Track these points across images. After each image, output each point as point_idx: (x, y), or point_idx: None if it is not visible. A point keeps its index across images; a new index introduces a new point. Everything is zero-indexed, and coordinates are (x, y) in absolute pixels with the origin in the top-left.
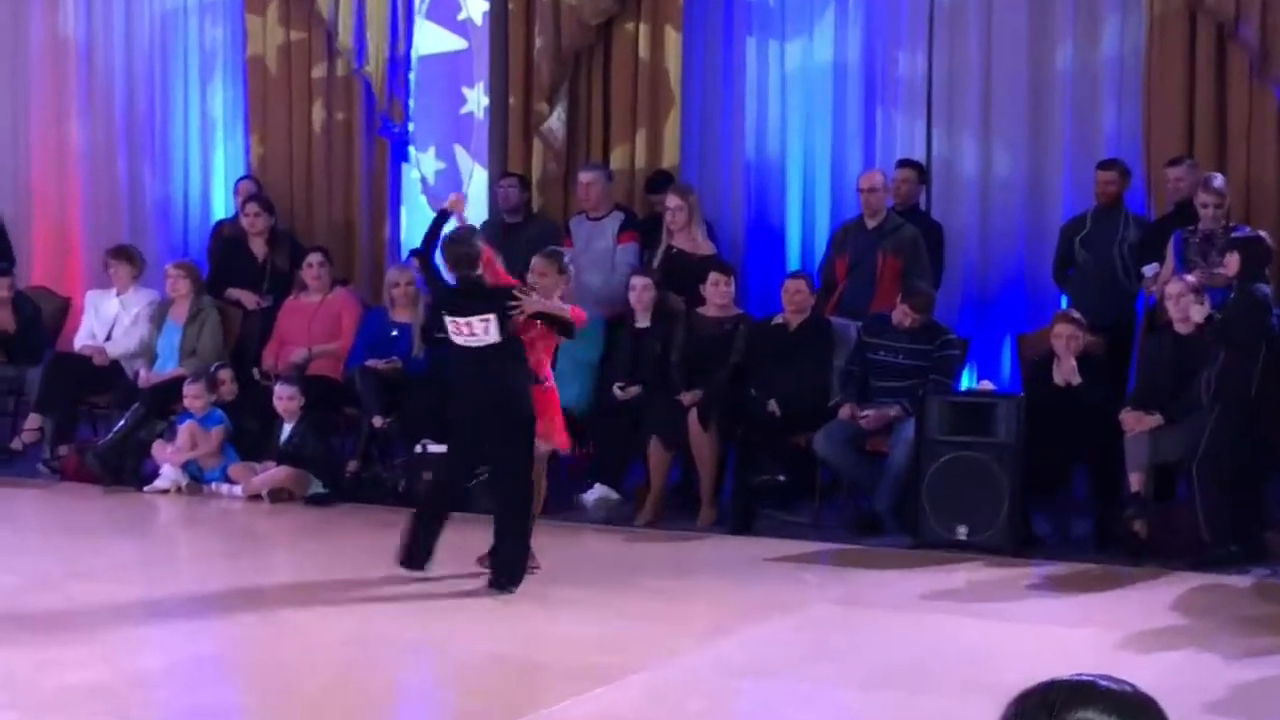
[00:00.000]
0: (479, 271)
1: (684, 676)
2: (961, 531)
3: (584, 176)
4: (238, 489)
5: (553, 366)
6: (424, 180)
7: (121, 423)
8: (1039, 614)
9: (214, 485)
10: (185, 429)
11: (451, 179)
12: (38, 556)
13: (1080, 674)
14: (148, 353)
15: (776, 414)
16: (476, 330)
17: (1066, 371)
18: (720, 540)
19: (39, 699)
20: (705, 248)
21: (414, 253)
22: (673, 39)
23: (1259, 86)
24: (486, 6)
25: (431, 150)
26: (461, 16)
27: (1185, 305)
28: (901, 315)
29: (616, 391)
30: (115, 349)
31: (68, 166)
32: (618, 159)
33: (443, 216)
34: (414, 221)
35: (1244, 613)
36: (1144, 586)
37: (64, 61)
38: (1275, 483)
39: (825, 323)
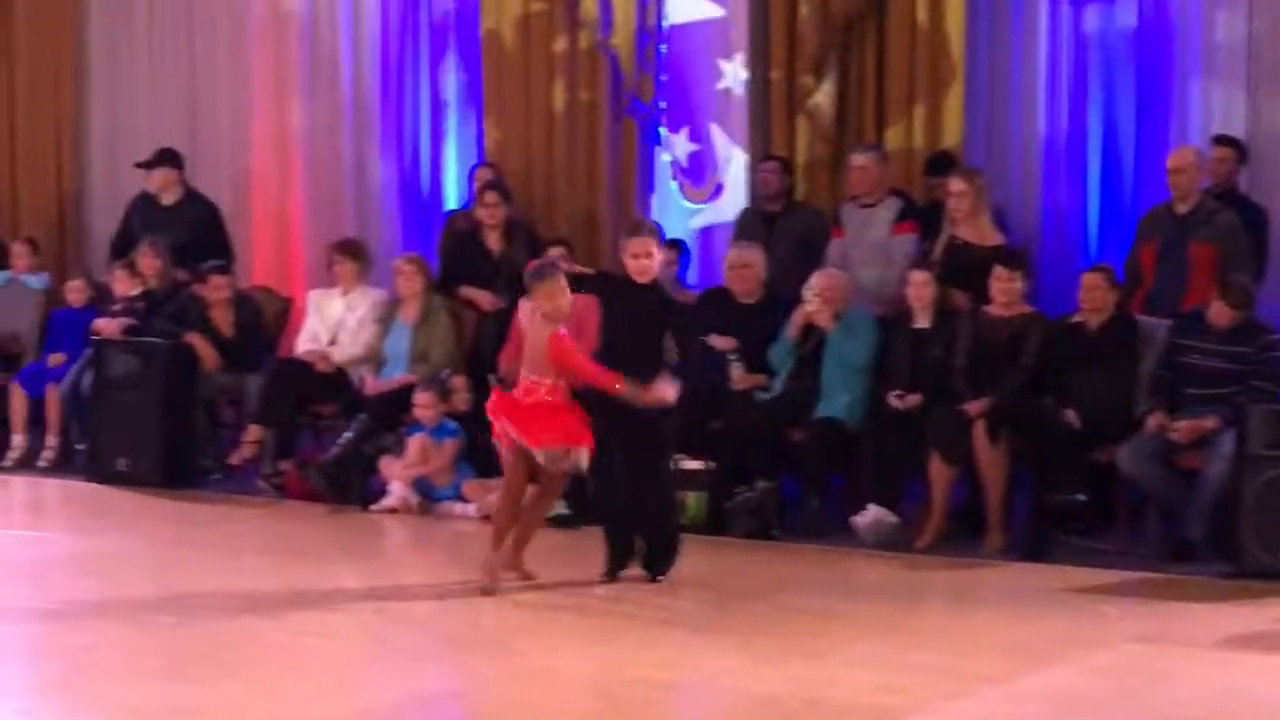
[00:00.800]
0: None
1: None
2: None
3: (855, 159)
4: (472, 508)
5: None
6: (676, 164)
7: (346, 435)
8: None
9: (446, 504)
10: (415, 442)
11: (706, 162)
12: (257, 581)
13: None
14: (375, 358)
15: (1075, 426)
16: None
17: None
18: (1010, 568)
19: None
20: (993, 237)
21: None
22: (955, 2)
23: None
24: None
25: (684, 131)
26: None
27: None
28: (1218, 313)
29: (893, 401)
30: (340, 354)
31: (289, 152)
32: (893, 139)
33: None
34: (665, 211)
35: None
36: None
37: (285, 38)
38: None
39: (1130, 322)
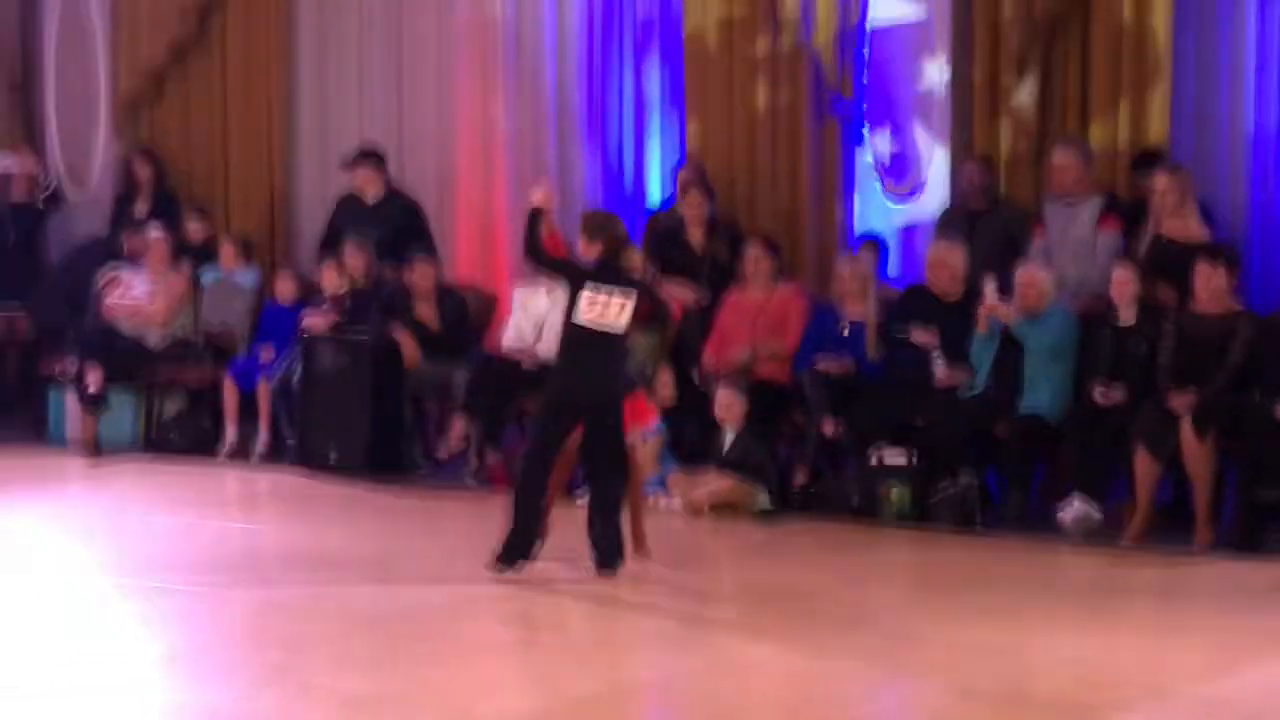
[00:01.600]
0: (623, 260)
1: None
2: None
3: (1058, 156)
4: (676, 501)
5: None
6: (878, 163)
7: None
8: None
9: (651, 497)
10: None
11: (908, 161)
12: (465, 572)
13: None
14: None
15: None
16: (612, 310)
17: None
18: (1219, 564)
19: None
20: (1199, 233)
21: (526, 256)
22: None
23: None
24: None
25: (886, 130)
26: None
27: None
28: None
29: (1097, 396)
30: (545, 350)
31: (493, 152)
32: (1097, 135)
33: (536, 214)
34: (867, 209)
35: None
36: None
37: (490, 41)
38: None
39: None
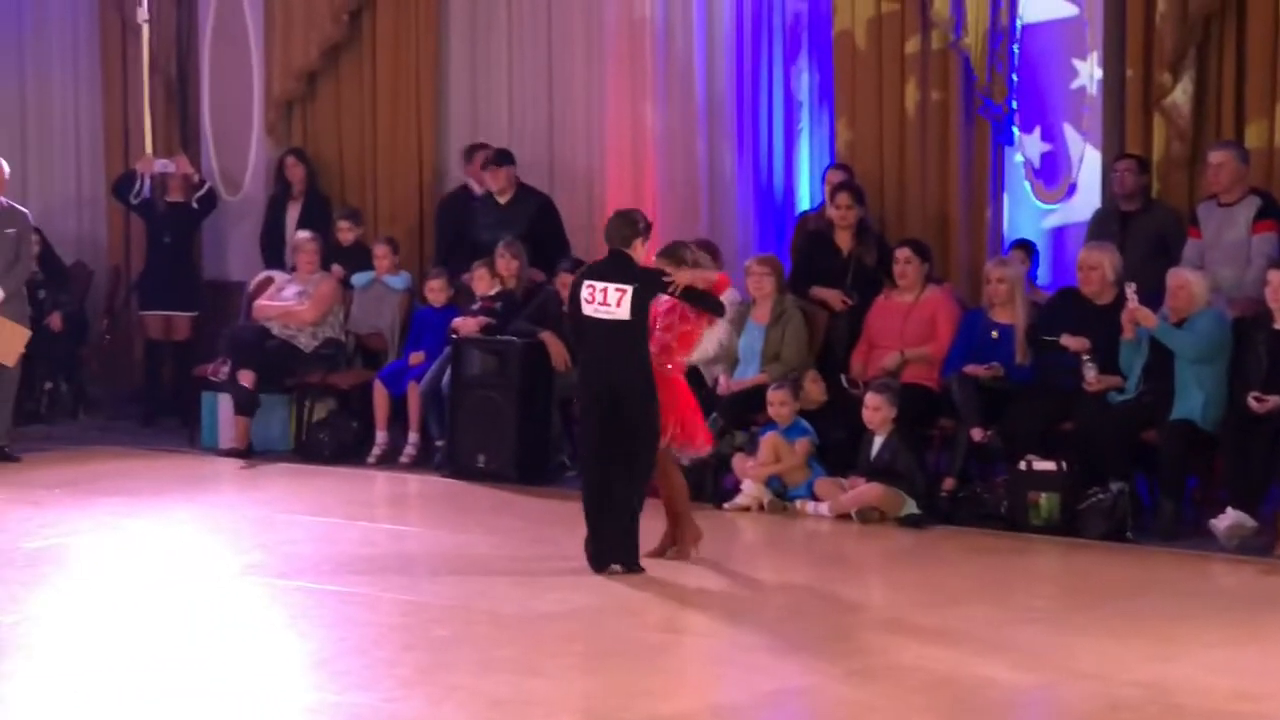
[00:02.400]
0: (629, 250)
1: None
2: None
3: (1214, 157)
4: (824, 507)
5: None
6: (1029, 164)
7: None
8: None
9: (798, 503)
10: (767, 441)
11: (1059, 162)
12: (611, 578)
13: None
14: (728, 357)
15: None
16: (610, 301)
17: None
18: None
19: None
20: None
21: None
22: None
23: None
24: None
25: (1037, 131)
26: None
27: None
28: None
29: (1252, 402)
30: (694, 354)
31: (643, 153)
32: (1253, 136)
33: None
34: (1017, 212)
35: None
36: None
37: (640, 41)
38: None
39: None
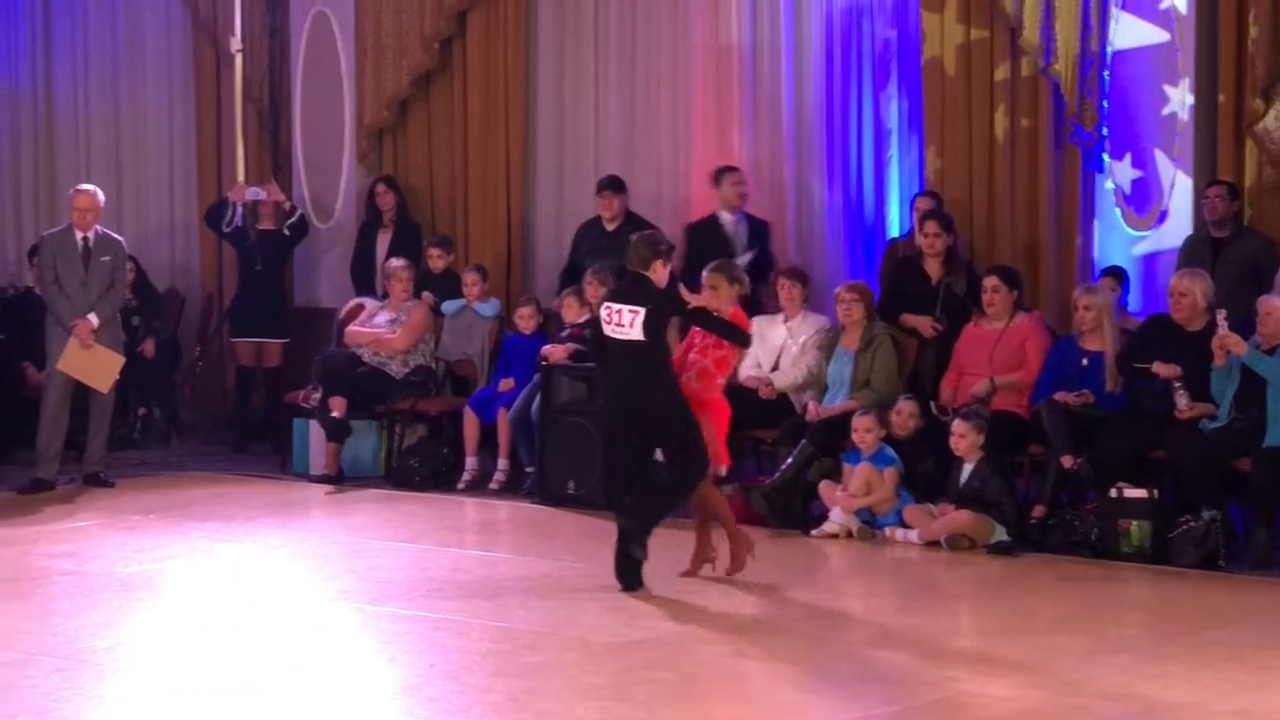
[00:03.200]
0: (648, 271)
1: None
2: None
3: None
4: (913, 534)
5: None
6: (1119, 191)
7: (789, 461)
8: None
9: (887, 530)
10: (858, 473)
11: (1150, 189)
12: (700, 604)
13: None
14: (817, 384)
15: None
16: (624, 322)
17: None
18: None
19: None
20: None
21: None
22: None
23: None
24: None
25: (1127, 157)
26: (1164, 5)
27: None
28: None
29: None
30: (782, 380)
31: None
32: None
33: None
34: (1107, 239)
35: None
36: None
37: (727, 67)
38: None
39: None
